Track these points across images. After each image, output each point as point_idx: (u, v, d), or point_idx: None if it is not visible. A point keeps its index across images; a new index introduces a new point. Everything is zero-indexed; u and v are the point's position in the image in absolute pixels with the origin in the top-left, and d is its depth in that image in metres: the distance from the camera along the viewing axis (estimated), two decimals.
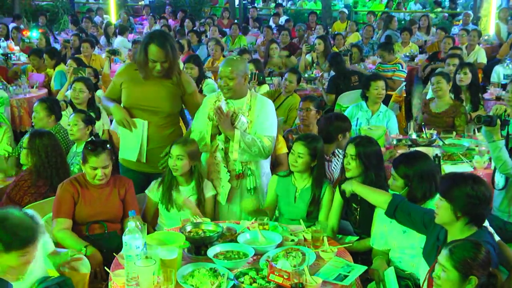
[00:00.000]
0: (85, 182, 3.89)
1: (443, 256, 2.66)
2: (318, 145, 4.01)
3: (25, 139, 4.36)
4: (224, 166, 4.14)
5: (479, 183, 2.95)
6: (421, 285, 2.99)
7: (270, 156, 4.38)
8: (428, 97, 6.64)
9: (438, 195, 3.08)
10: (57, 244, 3.61)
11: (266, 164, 4.35)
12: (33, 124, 5.43)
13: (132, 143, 4.33)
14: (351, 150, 3.80)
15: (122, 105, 4.42)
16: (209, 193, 4.10)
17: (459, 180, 2.97)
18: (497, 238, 3.17)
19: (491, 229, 3.15)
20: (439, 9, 17.17)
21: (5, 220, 2.68)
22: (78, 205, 3.82)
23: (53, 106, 5.33)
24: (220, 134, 4.11)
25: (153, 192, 4.10)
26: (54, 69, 8.39)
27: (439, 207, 3.00)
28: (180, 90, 4.39)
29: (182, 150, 3.94)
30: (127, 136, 4.34)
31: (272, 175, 4.32)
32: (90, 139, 4.79)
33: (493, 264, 2.79)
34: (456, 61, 7.10)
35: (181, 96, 4.42)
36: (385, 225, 3.56)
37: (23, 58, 10.30)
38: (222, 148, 4.13)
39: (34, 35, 11.90)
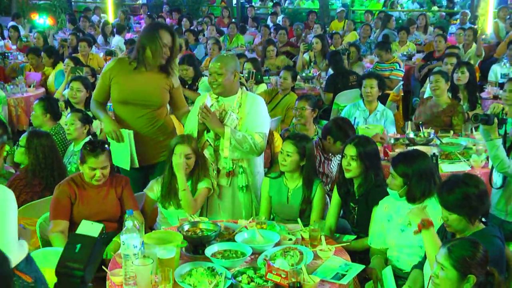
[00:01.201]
0: (82, 182, 3.88)
1: (441, 255, 2.66)
2: (307, 144, 4.00)
3: (23, 137, 4.36)
4: (212, 163, 4.14)
5: (471, 184, 3.00)
6: (426, 285, 2.98)
7: (263, 156, 4.38)
8: (425, 96, 6.64)
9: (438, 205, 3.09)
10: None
11: (259, 162, 4.33)
12: (30, 121, 5.46)
13: (122, 153, 4.38)
14: (351, 150, 3.78)
15: (113, 100, 4.46)
16: (202, 184, 4.08)
17: (458, 189, 2.98)
18: None
19: None
20: (436, 8, 17.18)
21: None
22: (76, 206, 3.82)
23: (50, 105, 5.35)
24: (208, 131, 4.10)
25: (152, 191, 4.10)
26: (53, 68, 8.38)
27: (450, 219, 3.01)
28: (169, 84, 4.44)
29: (189, 149, 3.96)
30: (117, 146, 4.37)
31: (269, 173, 4.32)
32: (87, 138, 4.80)
33: (502, 259, 2.80)
34: (454, 60, 7.10)
35: (169, 90, 4.46)
36: (383, 224, 3.57)
37: (21, 57, 10.28)
38: (211, 145, 4.13)
39: (41, 21, 11.86)
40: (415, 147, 5.00)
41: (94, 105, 4.55)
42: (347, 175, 3.81)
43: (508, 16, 11.41)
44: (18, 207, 3.94)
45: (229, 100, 4.14)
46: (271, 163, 5.11)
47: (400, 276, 3.38)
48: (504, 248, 3.01)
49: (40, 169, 4.23)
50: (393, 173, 3.48)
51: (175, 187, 3.99)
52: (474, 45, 9.34)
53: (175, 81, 4.50)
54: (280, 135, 5.44)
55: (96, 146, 3.83)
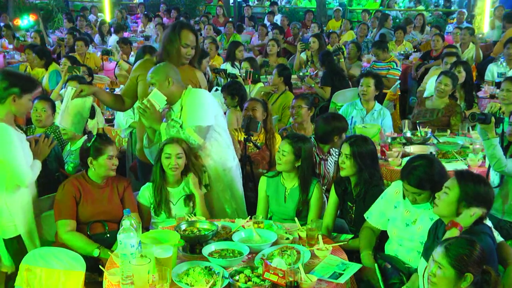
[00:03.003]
0: (86, 182, 3.88)
1: (438, 253, 2.66)
2: (304, 145, 4.00)
3: None
4: None
5: (489, 187, 3.04)
6: (421, 281, 2.98)
7: (233, 150, 4.36)
8: (425, 95, 6.64)
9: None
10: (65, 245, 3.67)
11: (226, 156, 4.28)
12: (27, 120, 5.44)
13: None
14: (345, 149, 3.79)
15: (139, 98, 4.42)
16: (202, 190, 4.07)
17: (475, 178, 3.04)
18: (500, 238, 3.19)
19: (489, 223, 3.18)
20: (429, 7, 17.23)
21: (13, 73, 3.84)
22: (80, 205, 3.82)
23: (54, 104, 5.39)
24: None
25: (144, 197, 4.04)
26: (46, 69, 8.31)
27: (441, 199, 3.03)
28: (194, 83, 4.36)
29: (180, 148, 3.91)
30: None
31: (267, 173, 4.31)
32: (84, 137, 4.79)
33: (492, 256, 2.80)
34: (454, 59, 7.09)
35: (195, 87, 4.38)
36: (390, 210, 3.56)
37: (18, 56, 10.27)
38: None
39: (25, 22, 11.82)
40: (412, 146, 5.04)
41: None
42: (342, 173, 3.84)
43: (504, 15, 11.44)
44: None
45: (175, 106, 4.13)
46: (270, 164, 5.11)
47: (400, 270, 3.36)
48: (495, 246, 3.02)
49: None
50: (417, 191, 3.37)
51: (165, 194, 3.96)
52: (471, 44, 9.33)
53: (202, 81, 4.47)
54: (279, 133, 5.44)
55: (107, 136, 3.94)
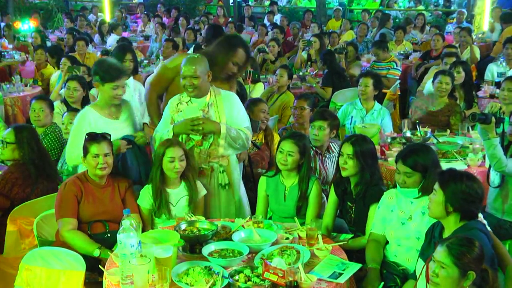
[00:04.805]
0: (87, 181, 3.87)
1: (440, 253, 2.66)
2: (306, 142, 4.04)
3: (9, 134, 4.32)
4: None
5: (473, 181, 3.02)
6: (417, 277, 2.99)
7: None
8: (425, 95, 6.64)
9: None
10: (65, 244, 3.65)
11: (235, 159, 4.35)
12: (27, 120, 5.44)
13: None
14: (347, 149, 3.78)
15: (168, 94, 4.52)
16: (200, 193, 4.07)
17: (456, 176, 3.04)
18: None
19: (484, 221, 3.18)
20: (429, 6, 17.22)
21: (102, 62, 4.28)
22: (81, 204, 3.80)
23: (52, 103, 5.39)
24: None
25: (145, 200, 3.98)
26: (58, 67, 8.33)
27: (432, 201, 3.08)
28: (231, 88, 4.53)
29: (181, 151, 3.89)
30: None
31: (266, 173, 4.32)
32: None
33: (488, 252, 2.81)
34: (453, 59, 7.10)
35: None
36: (388, 213, 3.58)
37: (17, 56, 10.25)
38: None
39: (25, 27, 11.85)
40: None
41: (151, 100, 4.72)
42: (344, 173, 3.82)
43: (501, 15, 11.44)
44: (12, 199, 4.18)
45: (200, 101, 4.14)
46: (270, 164, 5.11)
47: (396, 274, 3.38)
48: (491, 242, 3.02)
49: (34, 160, 4.27)
50: (409, 171, 3.45)
51: (165, 196, 3.93)
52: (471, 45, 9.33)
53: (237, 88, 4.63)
54: (278, 134, 5.44)
55: (97, 134, 3.87)
